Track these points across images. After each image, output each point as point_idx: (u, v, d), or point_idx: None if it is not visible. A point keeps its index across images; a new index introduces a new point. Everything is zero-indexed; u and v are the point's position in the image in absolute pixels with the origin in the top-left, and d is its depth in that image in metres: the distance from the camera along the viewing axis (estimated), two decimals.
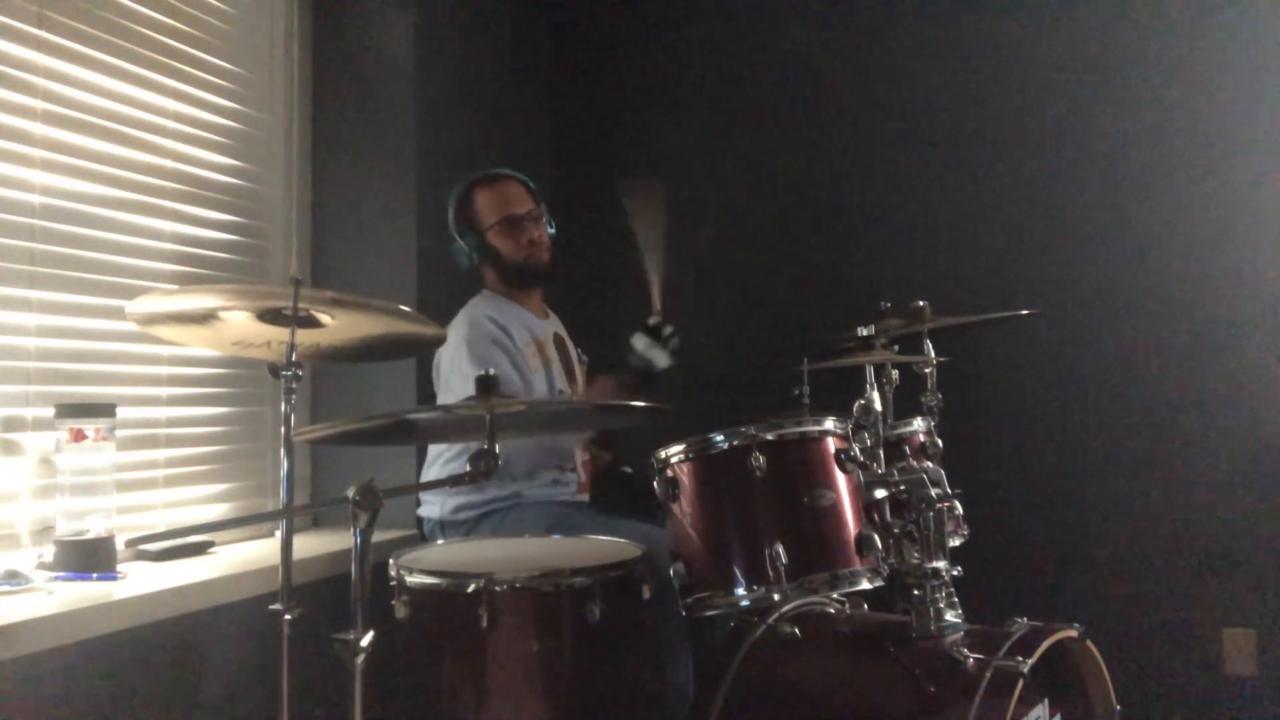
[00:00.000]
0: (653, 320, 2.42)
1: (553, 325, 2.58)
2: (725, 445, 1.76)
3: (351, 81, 2.63)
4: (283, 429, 1.62)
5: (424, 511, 2.43)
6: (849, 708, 1.70)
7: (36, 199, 1.87)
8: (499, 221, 2.43)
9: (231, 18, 2.39)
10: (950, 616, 1.67)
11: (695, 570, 1.76)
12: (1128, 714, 1.75)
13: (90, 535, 1.77)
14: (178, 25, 2.22)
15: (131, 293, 1.69)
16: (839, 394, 1.93)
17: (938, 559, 1.67)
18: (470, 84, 2.92)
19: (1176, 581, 2.70)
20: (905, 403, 2.19)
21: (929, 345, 2.22)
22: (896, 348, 2.14)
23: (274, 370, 1.60)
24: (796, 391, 2.15)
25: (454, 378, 2.30)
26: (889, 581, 1.75)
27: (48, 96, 1.89)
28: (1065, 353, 2.82)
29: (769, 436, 1.74)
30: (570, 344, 2.60)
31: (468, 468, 2.13)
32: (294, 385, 1.60)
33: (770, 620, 1.75)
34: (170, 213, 2.18)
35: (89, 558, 1.75)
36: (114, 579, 1.76)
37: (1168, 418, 2.73)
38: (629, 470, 2.50)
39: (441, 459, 2.37)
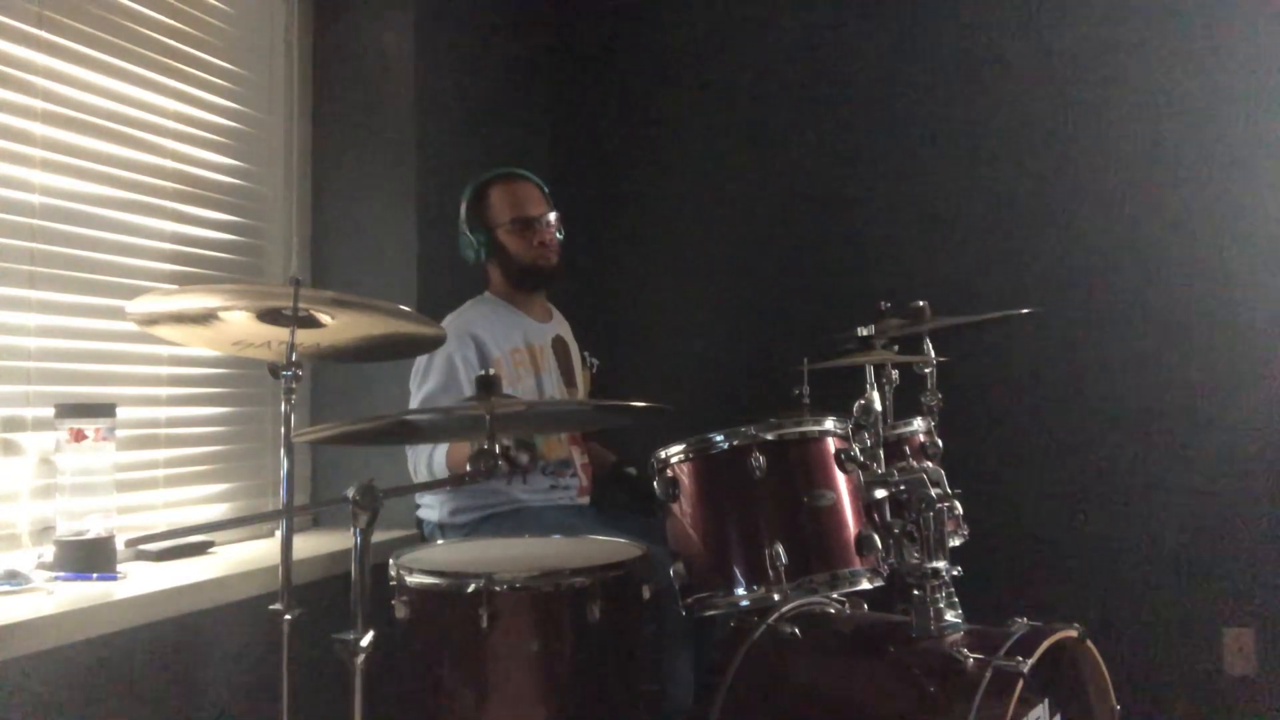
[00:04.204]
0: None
1: (554, 328, 2.57)
2: (725, 445, 1.76)
3: (351, 81, 2.63)
4: (283, 429, 1.62)
5: (423, 514, 2.43)
6: (849, 707, 1.70)
7: (36, 199, 1.87)
8: (512, 221, 2.43)
9: (231, 18, 2.39)
10: (950, 616, 1.67)
11: (695, 570, 1.76)
12: (1128, 714, 1.75)
13: (90, 535, 1.77)
14: (178, 25, 2.22)
15: (131, 293, 1.69)
16: (839, 394, 1.93)
17: (938, 559, 1.67)
18: (470, 84, 2.92)
19: (1176, 581, 2.70)
20: (905, 403, 2.19)
21: (929, 345, 2.22)
22: (896, 348, 2.14)
23: (274, 370, 1.60)
24: (796, 391, 2.16)
25: (411, 384, 2.33)
26: (889, 581, 1.75)
27: (48, 96, 1.89)
28: (1065, 352, 2.82)
29: (769, 436, 1.75)
30: (574, 347, 2.60)
31: (421, 475, 2.19)
32: (294, 385, 1.60)
33: (770, 620, 1.75)
34: (170, 213, 2.18)
35: (89, 558, 1.76)
36: (114, 579, 1.76)
37: (1167, 417, 2.73)
38: (632, 471, 2.50)
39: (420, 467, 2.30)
